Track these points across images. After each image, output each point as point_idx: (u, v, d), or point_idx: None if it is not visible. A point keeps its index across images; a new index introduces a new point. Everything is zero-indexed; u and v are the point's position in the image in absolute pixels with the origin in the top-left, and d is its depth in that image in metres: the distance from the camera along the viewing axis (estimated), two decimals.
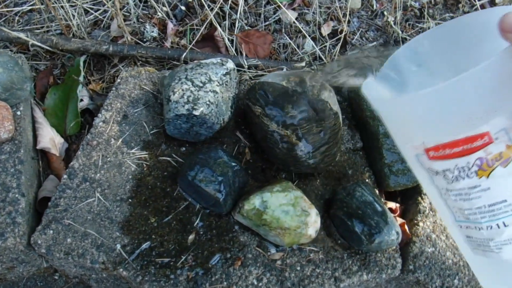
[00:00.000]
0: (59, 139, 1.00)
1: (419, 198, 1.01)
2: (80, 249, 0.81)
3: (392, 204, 1.03)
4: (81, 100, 1.05)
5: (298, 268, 0.86)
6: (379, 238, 0.85)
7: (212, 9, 1.16)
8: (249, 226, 0.86)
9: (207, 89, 0.86)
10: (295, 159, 0.87)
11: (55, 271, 1.03)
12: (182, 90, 0.85)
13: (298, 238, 0.84)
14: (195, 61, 0.93)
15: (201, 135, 0.89)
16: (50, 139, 0.99)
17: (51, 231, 0.81)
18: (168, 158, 0.92)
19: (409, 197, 1.05)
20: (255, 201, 0.83)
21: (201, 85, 0.86)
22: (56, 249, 0.80)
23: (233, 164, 0.85)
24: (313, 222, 0.84)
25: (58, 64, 1.14)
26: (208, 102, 0.85)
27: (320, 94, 0.87)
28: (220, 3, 1.15)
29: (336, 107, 0.89)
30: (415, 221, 0.98)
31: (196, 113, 0.83)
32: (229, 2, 1.20)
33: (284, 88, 0.87)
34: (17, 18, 1.17)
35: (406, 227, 0.97)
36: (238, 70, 1.14)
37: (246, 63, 1.12)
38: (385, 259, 0.91)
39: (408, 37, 1.36)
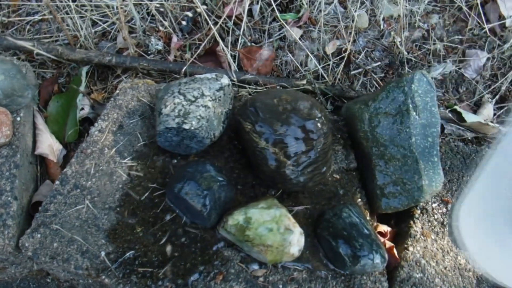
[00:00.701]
0: (57, 146, 1.05)
1: (411, 222, 1.01)
2: (65, 254, 0.84)
3: (384, 227, 1.03)
4: (82, 109, 1.10)
5: (280, 286, 0.87)
6: (363, 260, 0.85)
7: (216, 24, 1.20)
8: (233, 241, 0.88)
9: (199, 104, 0.89)
10: (282, 176, 0.89)
11: (47, 274, 1.07)
12: (174, 103, 0.88)
13: (280, 256, 0.85)
14: (191, 76, 0.96)
15: (192, 148, 0.92)
16: (49, 146, 1.03)
17: (39, 235, 0.85)
18: (159, 170, 0.95)
19: (403, 221, 1.05)
20: (239, 216, 0.85)
21: (193, 99, 0.89)
22: (42, 253, 0.84)
23: (220, 178, 0.87)
24: (297, 241, 0.85)
25: (64, 73, 1.20)
26: (199, 117, 0.88)
27: (311, 113, 0.89)
28: (223, 18, 1.19)
29: (326, 126, 0.90)
30: (405, 246, 0.98)
31: (186, 127, 0.86)
32: (233, 18, 1.23)
33: (275, 106, 0.89)
34: (28, 27, 1.23)
35: (395, 251, 0.97)
36: (238, 86, 1.17)
37: (245, 79, 1.15)
38: (371, 282, 0.91)
39: (413, 58, 1.37)
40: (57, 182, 0.91)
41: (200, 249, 0.88)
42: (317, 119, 0.89)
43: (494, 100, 1.40)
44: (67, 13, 1.17)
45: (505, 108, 1.40)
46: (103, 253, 0.85)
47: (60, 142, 1.07)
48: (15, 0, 1.23)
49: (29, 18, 1.23)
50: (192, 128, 0.87)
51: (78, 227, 0.87)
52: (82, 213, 0.88)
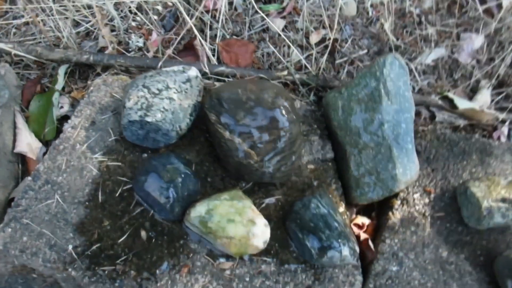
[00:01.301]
0: (36, 144, 1.09)
1: (390, 214, 0.99)
2: (34, 247, 0.87)
3: (363, 220, 1.01)
4: (62, 107, 1.13)
5: (247, 279, 0.87)
6: (330, 253, 0.84)
7: (192, 16, 1.22)
8: (199, 234, 0.89)
9: (163, 96, 0.90)
10: (248, 168, 0.89)
11: (32, 269, 1.10)
12: (137, 97, 0.90)
13: (245, 249, 0.85)
14: (158, 69, 0.98)
15: (159, 141, 0.94)
16: (27, 144, 1.07)
17: (10, 229, 0.88)
18: (129, 164, 0.97)
19: (384, 212, 1.03)
20: (201, 208, 0.85)
21: (156, 92, 0.91)
22: (12, 247, 0.87)
23: (185, 171, 0.88)
24: (261, 233, 0.85)
25: (47, 74, 1.24)
26: (162, 109, 0.89)
27: (275, 102, 0.89)
28: (200, 12, 1.20)
29: (292, 115, 0.90)
30: (382, 238, 0.96)
31: (148, 119, 0.87)
32: (211, 11, 1.24)
33: (239, 96, 0.89)
34: (14, 30, 1.28)
35: (370, 243, 0.95)
36: (216, 79, 1.18)
37: (223, 72, 1.16)
38: (343, 276, 0.90)
39: (403, 45, 1.34)
40: (29, 178, 0.94)
41: (167, 242, 0.89)
42: (282, 107, 0.89)
43: (491, 85, 1.35)
44: (48, 16, 1.21)
45: (504, 93, 1.35)
46: (70, 246, 0.87)
47: (40, 140, 1.10)
48: (0, 4, 1.28)
49: (15, 21, 1.28)
50: (155, 120, 0.88)
51: (48, 221, 0.90)
52: (52, 208, 0.91)
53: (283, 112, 0.88)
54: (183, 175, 0.87)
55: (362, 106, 0.94)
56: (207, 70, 1.13)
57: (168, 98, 0.91)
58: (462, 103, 1.25)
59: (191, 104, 0.96)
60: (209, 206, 0.85)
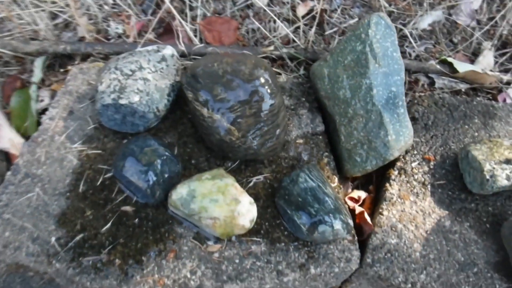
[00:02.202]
0: (18, 139, 1.09)
1: (387, 185, 0.96)
2: (17, 242, 0.87)
3: (360, 193, 0.99)
4: (42, 100, 1.13)
5: (237, 260, 0.86)
6: (321, 227, 0.82)
7: None
8: (183, 217, 0.87)
9: (137, 77, 0.89)
10: (230, 145, 0.88)
11: (28, 267, 1.11)
12: (110, 79, 0.88)
13: (231, 229, 0.83)
14: (130, 51, 0.96)
15: (138, 125, 0.92)
16: (9, 140, 1.07)
17: None
18: (110, 151, 0.96)
19: (382, 184, 1.00)
20: (182, 190, 0.84)
21: (130, 73, 0.89)
22: None
23: (164, 153, 0.87)
24: (246, 212, 0.83)
25: (28, 69, 1.24)
26: (136, 91, 0.88)
27: (253, 73, 0.87)
28: None
29: (272, 86, 0.87)
30: (380, 210, 0.93)
31: (122, 102, 0.86)
32: None
33: (215, 70, 0.87)
34: None
35: (366, 216, 0.93)
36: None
37: (205, 52, 1.14)
38: (338, 252, 0.87)
39: (396, 10, 1.31)
40: (8, 173, 0.94)
41: (151, 228, 0.88)
42: (261, 79, 0.86)
43: (494, 47, 1.30)
44: (23, 9, 1.21)
45: (508, 54, 1.30)
46: (53, 239, 0.87)
47: (22, 135, 1.10)
48: None
49: None
50: (129, 102, 0.87)
51: (29, 215, 0.89)
52: (33, 201, 0.91)
53: (263, 83, 0.86)
54: (162, 157, 0.86)
55: (349, 72, 0.91)
56: (182, 48, 1.11)
57: (142, 78, 0.89)
58: (463, 67, 1.21)
59: (168, 84, 0.94)
60: (190, 187, 0.83)
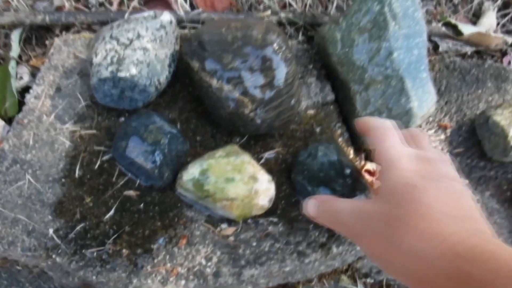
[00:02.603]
0: None
1: None
2: (10, 236, 0.78)
3: (373, 165, 0.94)
4: (21, 78, 1.02)
5: (254, 243, 0.79)
6: None
7: None
8: (194, 199, 0.80)
9: (135, 47, 0.79)
10: (242, 118, 0.80)
11: (15, 261, 1.02)
12: (105, 50, 0.79)
13: (249, 210, 0.77)
14: (125, 18, 0.86)
15: (137, 100, 0.83)
16: None
17: None
18: (105, 131, 0.86)
19: None
20: (194, 170, 0.76)
21: (127, 42, 0.79)
22: None
23: (170, 130, 0.78)
24: (265, 190, 0.77)
25: (0, 44, 1.11)
26: (136, 61, 0.78)
27: (266, 38, 0.79)
28: None
29: (287, 52, 0.80)
30: None
31: (122, 75, 0.77)
32: None
33: (224, 37, 0.79)
34: None
35: None
36: (191, 28, 1.06)
37: (198, 18, 1.05)
38: None
39: None
40: None
41: (159, 213, 0.80)
42: (275, 44, 0.78)
43: (496, 7, 1.26)
44: None
45: (510, 14, 1.26)
46: (51, 230, 0.78)
47: (1, 118, 0.99)
48: None
49: None
50: (129, 75, 0.77)
51: (22, 206, 0.80)
52: (24, 190, 0.81)
53: (276, 49, 0.78)
54: (168, 135, 0.77)
55: (365, 36, 0.84)
56: (181, 13, 1.02)
57: (142, 48, 0.80)
58: (467, 29, 1.16)
59: (168, 54, 0.85)
60: (203, 166, 0.76)
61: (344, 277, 0.99)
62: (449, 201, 0.49)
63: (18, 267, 1.03)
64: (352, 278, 1.00)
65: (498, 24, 1.26)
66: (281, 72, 0.79)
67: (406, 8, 0.82)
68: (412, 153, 0.58)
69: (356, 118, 0.67)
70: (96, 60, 0.78)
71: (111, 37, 0.80)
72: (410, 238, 0.47)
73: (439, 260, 0.43)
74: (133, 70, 0.78)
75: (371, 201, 0.56)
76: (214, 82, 0.78)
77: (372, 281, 1.01)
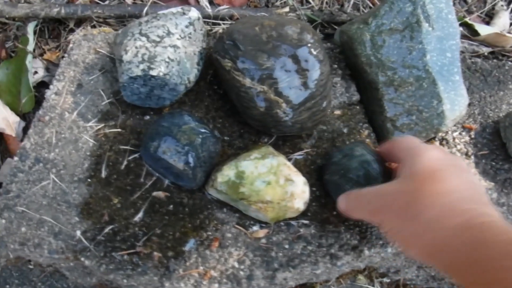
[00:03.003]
0: (13, 118, 0.94)
1: None
2: (36, 238, 0.75)
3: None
4: (36, 72, 0.98)
5: (287, 246, 0.78)
6: None
7: None
8: (226, 201, 0.78)
9: (166, 44, 0.77)
10: (275, 119, 0.78)
11: (28, 260, 0.99)
12: (136, 47, 0.76)
13: (283, 212, 0.75)
14: (152, 14, 0.83)
15: (164, 99, 0.81)
16: (3, 119, 0.92)
17: (3, 220, 0.76)
18: (130, 129, 0.84)
19: None
20: (229, 172, 0.74)
21: (158, 39, 0.77)
22: (10, 240, 0.75)
23: (202, 130, 0.76)
24: (301, 193, 0.75)
25: (11, 36, 1.06)
26: (167, 60, 0.76)
27: (302, 38, 0.77)
28: None
29: (322, 52, 0.78)
30: None
31: (154, 73, 0.74)
32: None
33: (258, 35, 0.77)
34: None
35: None
36: (210, 23, 1.04)
37: (218, 14, 1.02)
38: None
39: None
40: (15, 158, 0.80)
41: (189, 214, 0.79)
42: (309, 44, 0.77)
43: (510, 8, 1.26)
44: None
45: None
46: (78, 232, 0.76)
47: (16, 113, 0.95)
48: None
49: None
50: (161, 74, 0.75)
51: (47, 206, 0.77)
52: (48, 190, 0.78)
53: (312, 49, 0.76)
54: (201, 136, 0.75)
55: (397, 36, 0.83)
56: (209, 10, 0.99)
57: (172, 46, 0.77)
58: (484, 29, 1.16)
59: (196, 51, 0.83)
60: (238, 168, 0.74)
61: (361, 277, 0.98)
62: (468, 188, 0.57)
63: (30, 266, 1.00)
64: (369, 277, 1.00)
65: (511, 24, 1.27)
66: (316, 73, 0.77)
67: (440, 10, 0.81)
68: (438, 148, 0.67)
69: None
70: (126, 57, 0.76)
71: (140, 33, 0.78)
72: (430, 211, 0.54)
73: (455, 229, 0.51)
74: (165, 68, 0.75)
75: (394, 182, 0.64)
76: (248, 82, 0.77)
77: (388, 280, 1.01)
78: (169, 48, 0.77)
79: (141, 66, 0.74)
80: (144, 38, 0.77)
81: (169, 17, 0.80)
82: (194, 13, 0.83)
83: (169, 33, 0.78)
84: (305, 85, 0.77)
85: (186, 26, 0.81)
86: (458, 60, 0.82)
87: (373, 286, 0.97)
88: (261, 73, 0.76)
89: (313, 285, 0.93)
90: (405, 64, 0.83)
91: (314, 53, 0.77)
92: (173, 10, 0.82)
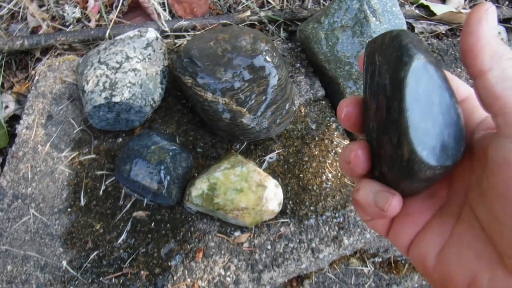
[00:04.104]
0: None
1: None
2: (23, 274, 0.75)
3: None
4: (6, 106, 0.96)
5: (269, 247, 0.79)
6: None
7: None
8: (205, 212, 0.78)
9: (126, 69, 0.76)
10: (241, 127, 0.78)
11: None
12: (96, 76, 0.75)
13: (260, 216, 0.76)
14: (110, 39, 0.82)
15: (133, 121, 0.80)
16: None
17: None
18: (105, 154, 0.83)
19: None
20: (202, 185, 0.74)
21: (117, 66, 0.76)
22: None
23: (172, 147, 0.76)
24: (274, 195, 0.76)
25: None
26: (129, 84, 0.75)
27: (256, 48, 0.76)
28: None
29: (277, 58, 0.78)
30: None
31: (117, 99, 0.73)
32: None
33: (213, 50, 0.76)
34: None
35: None
36: (175, 36, 1.03)
37: (180, 26, 1.01)
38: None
39: None
40: None
41: (171, 230, 0.79)
42: (264, 52, 0.76)
43: None
44: None
45: None
46: (64, 263, 0.75)
47: None
48: None
49: None
50: (125, 99, 0.74)
51: (30, 241, 0.77)
52: (30, 225, 0.78)
53: (267, 57, 0.76)
54: (171, 153, 0.75)
55: (348, 33, 0.83)
56: (166, 28, 0.98)
57: (132, 70, 0.76)
58: (439, 8, 1.16)
59: (158, 71, 0.82)
60: (210, 181, 0.74)
61: (353, 260, 1.00)
62: None
63: None
64: (361, 259, 1.01)
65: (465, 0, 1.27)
66: (274, 79, 0.77)
67: (384, 3, 0.81)
68: None
69: None
70: (88, 87, 0.75)
71: (99, 62, 0.77)
72: None
73: None
74: (127, 93, 0.75)
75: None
76: (209, 96, 0.76)
77: (380, 260, 1.02)
78: (130, 72, 0.76)
79: (103, 95, 0.73)
80: (103, 66, 0.76)
81: (126, 41, 0.79)
82: (151, 33, 0.82)
83: (127, 58, 0.77)
84: (264, 92, 0.77)
85: (144, 48, 0.80)
86: None
87: (366, 266, 0.99)
88: (221, 86, 0.75)
89: (307, 275, 0.95)
90: None
91: (270, 60, 0.76)
92: (130, 33, 0.81)
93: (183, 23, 1.01)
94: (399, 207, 0.31)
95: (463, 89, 0.33)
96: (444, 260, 0.31)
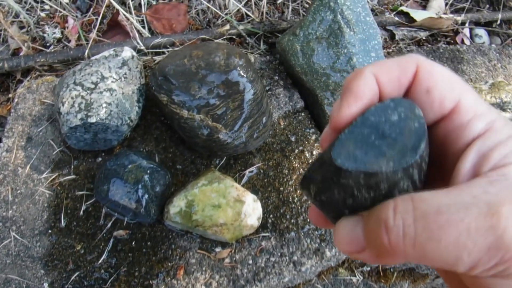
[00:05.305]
0: None
1: None
2: None
3: None
4: None
5: (250, 261, 0.79)
6: None
7: None
8: (185, 229, 0.79)
9: (101, 89, 0.77)
10: (218, 143, 0.79)
11: None
12: (72, 97, 0.76)
13: (239, 231, 0.77)
14: (86, 60, 0.84)
15: (111, 140, 0.81)
16: None
17: None
18: (84, 174, 0.84)
19: None
20: (179, 202, 0.75)
21: (92, 86, 0.77)
22: None
23: (150, 166, 0.77)
24: (252, 210, 0.76)
25: None
26: (104, 104, 0.76)
27: (229, 63, 0.78)
28: None
29: (251, 73, 0.79)
30: None
31: (92, 120, 0.75)
32: None
33: (187, 67, 0.77)
34: None
35: None
36: (154, 53, 1.04)
37: (159, 43, 1.02)
38: None
39: None
40: None
41: (151, 248, 0.79)
42: (238, 68, 0.78)
43: None
44: None
45: None
46: (45, 285, 0.76)
47: None
48: None
49: None
50: (100, 119, 0.75)
51: (11, 264, 0.78)
52: (11, 248, 0.79)
53: (241, 72, 0.77)
54: (148, 171, 0.76)
55: (324, 44, 0.84)
56: (141, 47, 0.99)
57: (108, 89, 0.78)
58: (419, 14, 1.18)
59: (135, 90, 0.83)
60: (188, 198, 0.75)
61: (342, 270, 1.00)
62: None
63: None
64: (349, 269, 1.01)
65: (446, 4, 1.28)
66: (249, 94, 0.78)
67: (358, 14, 0.82)
68: None
69: None
70: (64, 109, 0.76)
71: (74, 83, 0.78)
72: None
73: None
74: (103, 113, 0.76)
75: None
76: (185, 113, 0.77)
77: (368, 269, 1.03)
78: (105, 92, 0.77)
79: (79, 116, 0.75)
80: (79, 87, 0.77)
81: (102, 61, 0.81)
82: (127, 52, 0.84)
83: (103, 78, 0.78)
84: (240, 107, 0.78)
85: (120, 67, 0.81)
86: (382, 58, 0.83)
87: (355, 276, 0.99)
88: (197, 103, 0.77)
89: (296, 286, 0.95)
90: (336, 69, 0.84)
91: (244, 74, 0.78)
92: (106, 53, 0.83)
93: (161, 40, 1.03)
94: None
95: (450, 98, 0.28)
96: None
